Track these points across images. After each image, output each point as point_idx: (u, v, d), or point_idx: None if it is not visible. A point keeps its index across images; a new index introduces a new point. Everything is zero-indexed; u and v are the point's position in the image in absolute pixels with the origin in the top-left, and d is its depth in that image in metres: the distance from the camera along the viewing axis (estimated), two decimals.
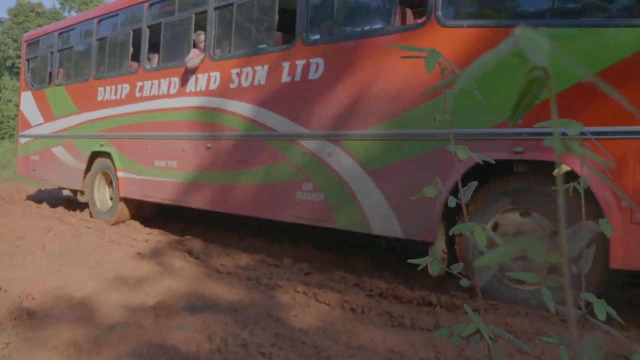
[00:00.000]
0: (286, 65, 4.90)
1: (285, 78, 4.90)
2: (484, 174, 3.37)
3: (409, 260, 1.22)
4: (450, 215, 3.73)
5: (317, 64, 4.65)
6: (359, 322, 3.30)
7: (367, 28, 4.69)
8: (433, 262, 1.12)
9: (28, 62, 9.42)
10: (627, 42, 3.11)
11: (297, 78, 4.80)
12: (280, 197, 4.90)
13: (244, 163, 5.26)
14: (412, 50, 0.79)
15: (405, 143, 4.00)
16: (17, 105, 34.38)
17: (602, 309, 0.81)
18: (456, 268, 1.18)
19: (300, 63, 4.78)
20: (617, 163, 3.09)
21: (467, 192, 0.99)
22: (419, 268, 1.21)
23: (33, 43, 9.36)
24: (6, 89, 36.65)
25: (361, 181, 4.26)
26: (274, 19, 5.12)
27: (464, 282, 1.20)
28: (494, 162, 0.89)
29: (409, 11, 4.66)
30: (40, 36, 9.16)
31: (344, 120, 4.43)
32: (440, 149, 3.75)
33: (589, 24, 3.32)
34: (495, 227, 3.67)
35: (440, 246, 3.29)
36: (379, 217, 4.15)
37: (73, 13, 36.74)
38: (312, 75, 4.68)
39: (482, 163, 0.99)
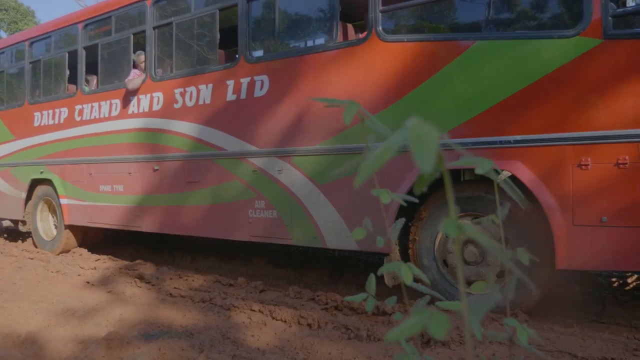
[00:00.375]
0: (231, 83, 4.90)
1: (230, 96, 4.90)
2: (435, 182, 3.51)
3: (346, 299, 1.27)
4: (404, 225, 3.84)
5: (262, 81, 4.67)
6: (315, 337, 3.33)
7: (309, 44, 4.77)
8: (368, 299, 1.18)
9: None
10: (560, 52, 3.32)
11: (243, 96, 4.80)
12: (233, 216, 4.88)
13: (194, 184, 5.20)
14: (333, 102, 0.84)
15: (354, 157, 4.08)
16: None
17: (523, 333, 0.88)
18: (390, 302, 1.24)
19: (244, 81, 4.79)
20: (557, 168, 3.29)
21: (395, 230, 1.05)
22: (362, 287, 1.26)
23: None
24: None
25: (313, 196, 4.31)
26: (216, 37, 5.10)
27: (397, 317, 1.26)
28: (417, 201, 0.95)
29: (350, 26, 4.78)
30: None
31: (292, 136, 4.47)
32: (390, 161, 3.86)
33: (523, 36, 3.52)
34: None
35: (396, 258, 3.39)
36: (333, 231, 4.21)
37: (2, 33, 35.16)
38: (258, 93, 4.70)
39: (404, 204, 1.05)
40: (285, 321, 3.67)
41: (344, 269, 5.59)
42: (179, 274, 5.28)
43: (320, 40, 4.86)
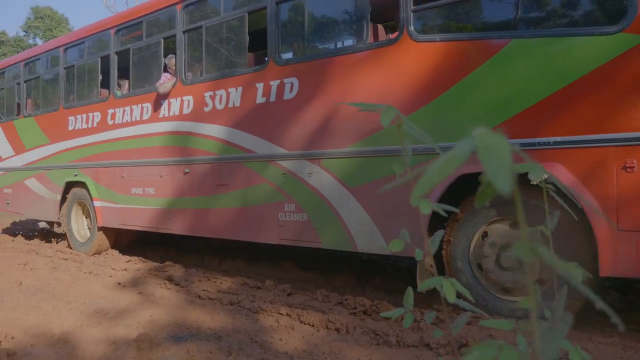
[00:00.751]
0: (260, 86, 4.89)
1: (260, 99, 4.89)
2: (472, 184, 3.42)
3: (382, 314, 1.22)
4: (438, 228, 3.76)
5: (292, 84, 4.65)
6: (343, 342, 3.26)
7: (339, 45, 4.72)
8: (406, 314, 1.12)
9: None
10: (601, 50, 3.16)
11: (272, 98, 4.79)
12: (263, 219, 4.87)
13: (223, 186, 5.22)
14: (369, 107, 0.80)
15: (386, 159, 4.01)
16: None
17: (576, 356, 0.82)
18: (428, 317, 1.18)
19: (274, 83, 4.78)
20: (599, 171, 3.15)
21: (434, 242, 1.00)
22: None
23: None
24: None
25: (344, 199, 4.25)
26: (245, 39, 5.11)
27: (437, 334, 1.21)
28: (457, 211, 0.90)
29: (380, 27, 4.71)
30: (5, 67, 8.98)
31: (322, 139, 4.42)
32: (422, 164, 3.78)
33: (561, 34, 3.39)
34: (484, 237, 3.72)
35: (429, 262, 3.30)
36: (364, 234, 4.14)
37: (38, 40, 36.27)
38: (287, 95, 4.68)
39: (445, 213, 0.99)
40: (313, 325, 3.62)
41: (372, 273, 5.52)
42: (207, 276, 5.30)
43: (350, 42, 4.81)
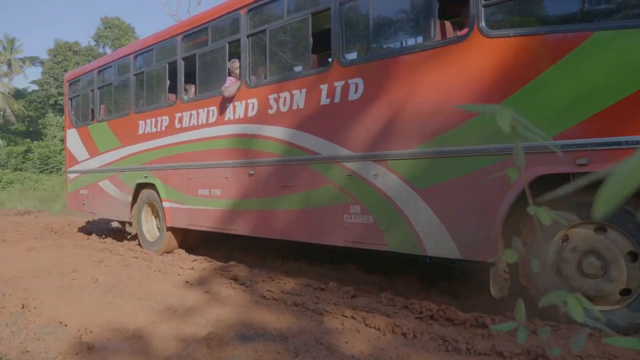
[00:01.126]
0: (324, 87, 4.84)
1: (324, 100, 4.84)
2: (551, 185, 3.20)
3: (492, 327, 1.11)
4: (511, 232, 3.56)
5: (356, 84, 4.57)
6: (411, 347, 3.14)
7: (405, 44, 4.59)
8: (519, 329, 1.01)
9: (71, 100, 9.72)
10: None
11: (337, 99, 4.72)
12: (328, 220, 4.81)
13: (288, 188, 5.21)
14: (480, 109, 0.70)
15: (456, 160, 3.84)
16: (62, 140, 35.77)
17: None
18: (543, 333, 1.06)
19: (338, 84, 4.71)
20: None
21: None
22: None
23: (74, 82, 9.66)
24: (51, 125, 38.27)
25: (411, 201, 4.12)
26: (308, 41, 5.08)
27: (555, 352, 1.08)
28: (577, 220, 0.78)
29: (448, 24, 4.54)
30: (81, 75, 9.44)
31: (388, 139, 4.31)
32: (495, 164, 3.59)
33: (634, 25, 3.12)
34: (565, 240, 3.49)
35: (502, 267, 3.11)
36: (433, 237, 3.99)
37: (107, 48, 38.15)
38: (352, 96, 4.60)
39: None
40: (379, 329, 3.53)
41: (437, 276, 5.34)
42: (270, 276, 5.32)
43: (416, 40, 4.67)
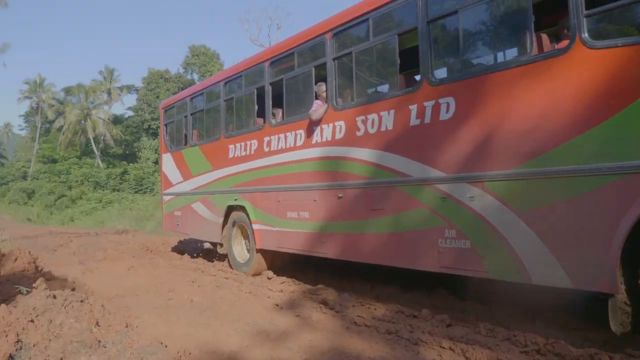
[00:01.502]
0: (413, 108, 4.76)
1: (414, 121, 4.75)
2: None
3: None
4: (633, 259, 3.26)
5: (448, 104, 4.44)
6: None
7: (500, 60, 4.41)
8: None
9: (166, 126, 10.36)
10: None
11: (427, 120, 4.62)
12: (420, 245, 4.68)
13: (377, 211, 5.14)
14: None
15: (562, 180, 3.60)
16: (155, 163, 38.18)
17: None
18: None
19: (428, 104, 4.62)
20: None
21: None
22: None
23: (169, 109, 10.30)
24: (145, 148, 41.12)
25: (513, 225, 3.90)
26: (396, 62, 5.03)
27: None
28: None
29: (544, 36, 4.31)
30: (175, 102, 10.05)
31: (484, 160, 4.13)
32: (610, 184, 3.32)
33: None
34: None
35: (622, 299, 2.83)
36: (539, 265, 3.74)
37: (194, 75, 40.48)
38: (443, 116, 4.47)
39: None
40: None
41: (540, 305, 4.99)
42: (360, 301, 5.25)
43: (510, 55, 4.47)
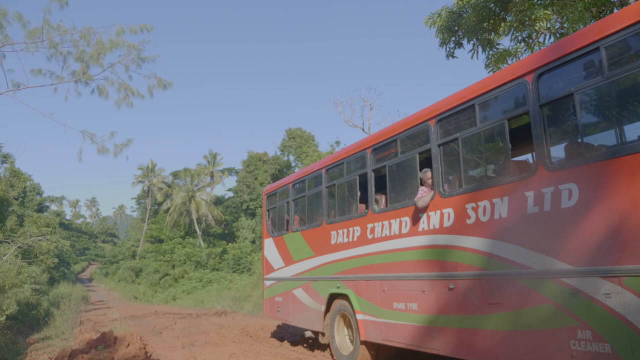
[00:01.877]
0: (530, 194, 4.53)
1: (531, 208, 4.51)
2: None
3: None
4: None
5: (570, 190, 4.18)
6: None
7: (630, 139, 4.11)
8: None
9: (268, 212, 10.78)
10: None
11: (547, 207, 4.36)
12: (548, 346, 4.24)
13: (495, 305, 4.81)
14: None
15: None
16: (252, 242, 39.51)
17: None
18: None
19: (547, 191, 4.37)
20: None
21: None
22: None
23: (271, 195, 10.75)
24: (243, 228, 42.90)
25: None
26: (506, 147, 4.91)
27: None
28: None
29: None
30: (277, 189, 10.49)
31: (619, 252, 3.75)
32: None
33: None
34: None
35: None
36: None
37: (291, 157, 42.44)
38: (566, 203, 4.20)
39: None
40: None
41: None
42: None
43: (636, 135, 4.18)
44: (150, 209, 56.64)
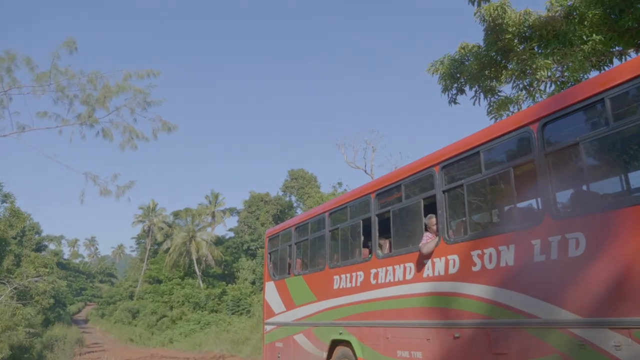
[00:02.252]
0: (536, 243, 4.52)
1: (537, 257, 4.48)
2: None
3: None
4: None
5: (577, 240, 4.17)
6: None
7: (636, 189, 4.15)
8: None
9: (270, 255, 10.70)
10: None
11: (554, 256, 4.34)
12: None
13: (502, 355, 4.71)
14: None
15: None
16: (252, 283, 39.08)
17: None
18: None
19: (553, 239, 4.36)
20: None
21: None
22: None
23: (273, 238, 10.71)
24: (243, 269, 42.57)
25: None
26: (512, 195, 4.92)
27: None
28: None
29: None
30: (279, 231, 10.45)
31: (629, 303, 3.71)
32: None
33: None
34: None
35: None
36: None
37: (293, 197, 42.57)
38: (573, 252, 4.18)
39: None
40: None
41: None
42: None
43: None
44: (150, 248, 56.31)
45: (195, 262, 45.61)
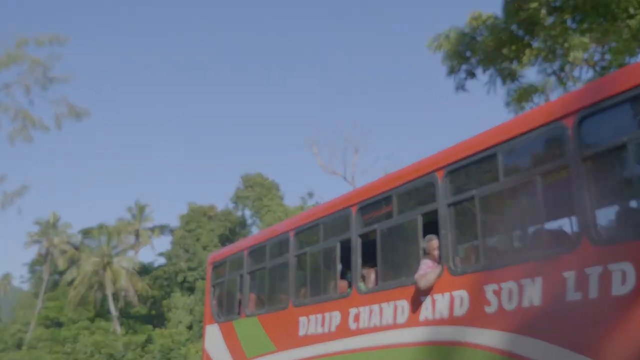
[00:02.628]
0: (569, 275, 4.55)
1: (571, 294, 4.51)
2: None
3: None
4: None
5: (623, 272, 4.20)
6: None
7: None
8: None
9: (213, 288, 10.56)
10: None
11: (593, 294, 4.37)
12: None
13: None
14: None
15: None
16: (188, 328, 38.64)
17: None
18: None
19: (592, 272, 4.39)
20: None
21: None
22: None
23: (219, 265, 10.56)
24: (177, 308, 42.10)
25: None
26: (540, 212, 4.97)
27: None
28: None
29: None
30: (227, 256, 10.34)
31: None
32: None
33: None
34: None
35: None
36: None
37: (247, 211, 42.45)
38: (618, 289, 4.22)
39: None
40: None
41: None
42: None
43: None
44: (48, 279, 55.07)
45: (110, 298, 44.84)
